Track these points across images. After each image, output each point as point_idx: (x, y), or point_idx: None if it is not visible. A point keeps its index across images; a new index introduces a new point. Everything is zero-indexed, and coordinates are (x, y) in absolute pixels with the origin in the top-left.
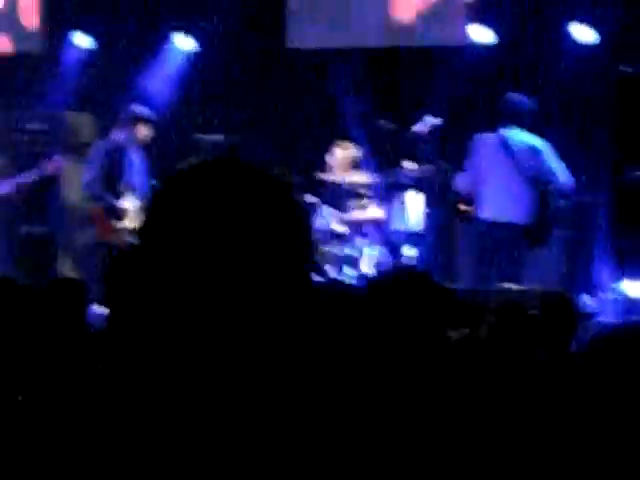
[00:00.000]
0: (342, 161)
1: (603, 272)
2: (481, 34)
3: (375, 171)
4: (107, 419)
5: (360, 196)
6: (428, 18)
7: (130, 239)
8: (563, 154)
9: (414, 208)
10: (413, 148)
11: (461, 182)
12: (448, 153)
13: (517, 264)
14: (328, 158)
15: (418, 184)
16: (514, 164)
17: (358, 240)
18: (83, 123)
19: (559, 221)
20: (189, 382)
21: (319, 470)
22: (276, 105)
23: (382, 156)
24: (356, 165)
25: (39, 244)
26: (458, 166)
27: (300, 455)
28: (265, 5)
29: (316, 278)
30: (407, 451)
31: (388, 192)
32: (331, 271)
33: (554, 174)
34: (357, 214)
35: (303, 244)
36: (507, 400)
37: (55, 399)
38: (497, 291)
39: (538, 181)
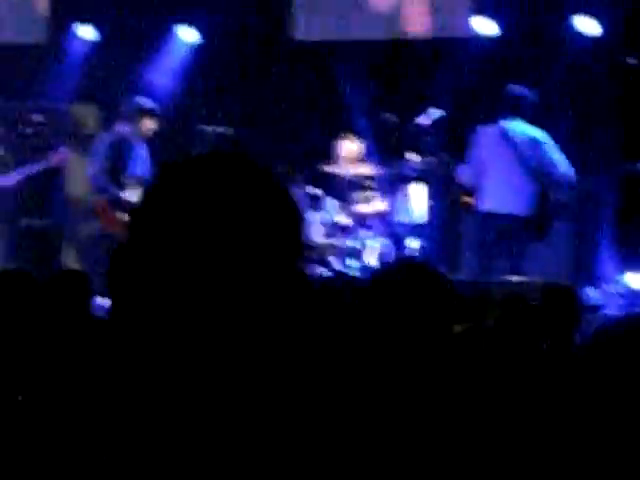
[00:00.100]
0: (347, 153)
1: (607, 264)
2: (485, 26)
3: (379, 163)
4: (109, 412)
5: (364, 188)
6: (432, 10)
7: None
8: (568, 146)
9: (418, 200)
10: (417, 140)
11: (463, 174)
12: (452, 145)
13: (519, 256)
14: (332, 150)
15: (422, 176)
16: (515, 156)
17: (362, 232)
18: (87, 115)
19: (561, 213)
20: (185, 377)
21: (324, 462)
22: (280, 97)
23: (386, 148)
24: (360, 157)
25: (43, 236)
26: (461, 158)
27: (302, 448)
28: None
29: (320, 270)
30: (411, 443)
31: (392, 184)
32: (335, 263)
33: (555, 166)
34: (361, 207)
35: (296, 238)
36: (510, 392)
37: (61, 390)
38: (499, 283)
39: (539, 173)
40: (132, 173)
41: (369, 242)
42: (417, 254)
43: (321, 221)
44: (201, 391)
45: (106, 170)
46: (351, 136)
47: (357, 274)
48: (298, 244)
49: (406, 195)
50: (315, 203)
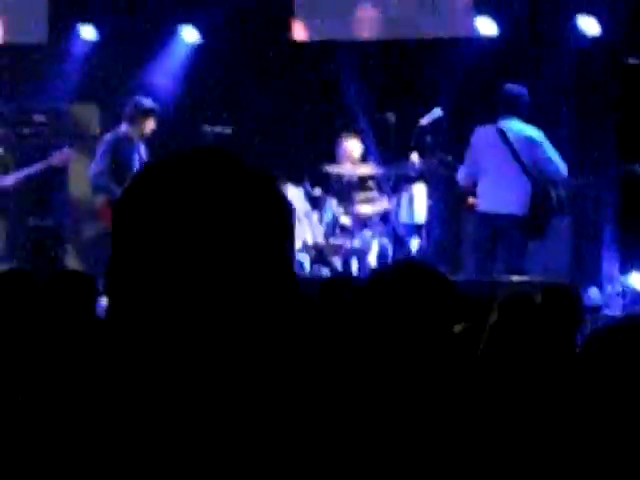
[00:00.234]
0: (347, 154)
1: (610, 265)
2: (485, 26)
3: (380, 163)
4: (108, 412)
5: (365, 188)
6: (435, 10)
7: None
8: (568, 146)
9: (421, 200)
10: (417, 140)
11: (462, 174)
12: (453, 145)
13: (519, 256)
14: (335, 150)
15: (425, 176)
16: (512, 155)
17: (365, 232)
18: (88, 115)
19: (559, 212)
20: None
21: (321, 464)
22: (281, 97)
23: (389, 149)
24: (363, 158)
25: (45, 237)
26: (462, 158)
27: (299, 449)
28: None
29: (321, 270)
30: (411, 443)
31: (395, 184)
32: (336, 263)
33: (552, 164)
34: (364, 207)
35: (283, 236)
36: (512, 392)
37: (65, 391)
38: (500, 283)
39: (536, 172)
40: (133, 173)
41: (372, 242)
42: (417, 254)
43: (322, 221)
44: (193, 391)
45: (108, 170)
46: (352, 136)
47: (357, 274)
48: (282, 238)
49: (409, 195)
50: (316, 203)
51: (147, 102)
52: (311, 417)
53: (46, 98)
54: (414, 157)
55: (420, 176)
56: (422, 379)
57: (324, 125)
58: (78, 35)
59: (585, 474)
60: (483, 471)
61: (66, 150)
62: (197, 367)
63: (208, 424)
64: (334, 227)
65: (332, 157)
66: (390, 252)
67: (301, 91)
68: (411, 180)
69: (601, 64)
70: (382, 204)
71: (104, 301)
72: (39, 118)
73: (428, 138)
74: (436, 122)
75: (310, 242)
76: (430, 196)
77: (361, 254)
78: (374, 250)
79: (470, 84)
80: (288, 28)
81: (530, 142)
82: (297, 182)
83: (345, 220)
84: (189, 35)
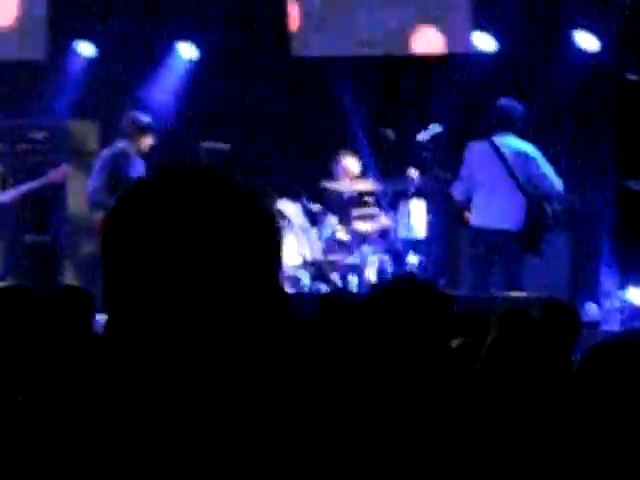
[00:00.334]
0: (346, 170)
1: (608, 280)
2: (484, 42)
3: (378, 179)
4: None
5: (364, 204)
6: (432, 26)
7: None
8: (566, 162)
9: (419, 216)
10: (418, 156)
11: (457, 190)
12: (451, 161)
13: (516, 271)
14: (333, 167)
15: (423, 192)
16: (506, 170)
17: (363, 248)
18: (86, 132)
19: (555, 227)
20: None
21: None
22: (279, 113)
23: (387, 164)
24: (361, 174)
25: (42, 253)
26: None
27: (294, 455)
28: (269, 13)
29: (320, 286)
30: (408, 457)
31: (393, 200)
32: (334, 279)
33: (546, 180)
34: (363, 223)
35: (270, 253)
36: (509, 407)
37: (62, 406)
38: (497, 298)
39: (530, 187)
40: None
41: (370, 258)
42: (416, 269)
43: (320, 237)
44: (187, 406)
45: (105, 186)
46: (350, 152)
47: (358, 290)
48: (269, 255)
49: (407, 211)
50: (314, 219)
51: (144, 118)
52: (311, 431)
53: (45, 114)
54: (413, 173)
55: (419, 192)
56: (421, 393)
57: (322, 141)
58: (76, 52)
59: None
60: None
61: (64, 166)
62: (189, 381)
63: (201, 439)
64: (333, 243)
65: (330, 173)
66: (389, 268)
67: (299, 107)
68: (410, 196)
69: (599, 80)
70: (381, 220)
71: (101, 317)
72: (37, 134)
73: (427, 154)
74: (435, 138)
75: (309, 258)
76: (429, 212)
77: (360, 270)
78: (373, 266)
79: (469, 100)
80: (286, 44)
81: (524, 157)
82: (295, 198)
83: (344, 236)
84: (187, 51)
